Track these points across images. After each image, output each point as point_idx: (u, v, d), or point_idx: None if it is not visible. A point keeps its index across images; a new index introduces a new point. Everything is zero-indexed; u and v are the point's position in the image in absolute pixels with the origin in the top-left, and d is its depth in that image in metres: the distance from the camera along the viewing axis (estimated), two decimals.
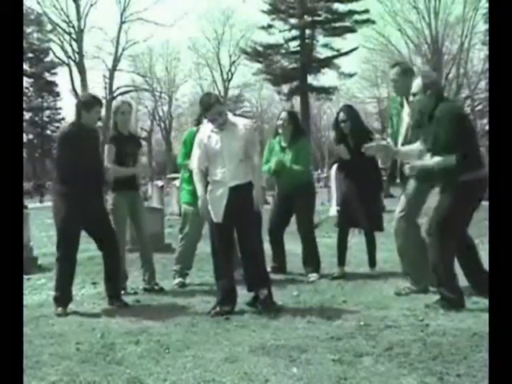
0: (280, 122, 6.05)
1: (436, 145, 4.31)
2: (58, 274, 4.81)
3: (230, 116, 4.63)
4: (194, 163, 4.68)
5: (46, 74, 51.69)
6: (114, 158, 5.40)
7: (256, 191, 4.56)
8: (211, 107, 4.48)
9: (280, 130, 6.07)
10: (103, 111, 40.72)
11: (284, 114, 6.12)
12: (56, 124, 51.71)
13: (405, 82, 4.92)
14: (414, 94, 4.48)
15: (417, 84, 4.45)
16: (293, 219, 6.20)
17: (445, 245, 4.31)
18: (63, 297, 4.75)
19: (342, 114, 5.84)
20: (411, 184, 4.90)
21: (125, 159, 5.49)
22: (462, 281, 4.54)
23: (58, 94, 53.31)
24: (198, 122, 5.79)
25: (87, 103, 4.88)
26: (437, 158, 4.30)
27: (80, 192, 4.67)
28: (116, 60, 42.85)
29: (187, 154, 5.64)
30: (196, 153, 4.64)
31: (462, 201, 4.29)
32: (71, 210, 4.68)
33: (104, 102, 40.97)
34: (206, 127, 4.64)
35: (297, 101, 36.13)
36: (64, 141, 4.88)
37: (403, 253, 5.01)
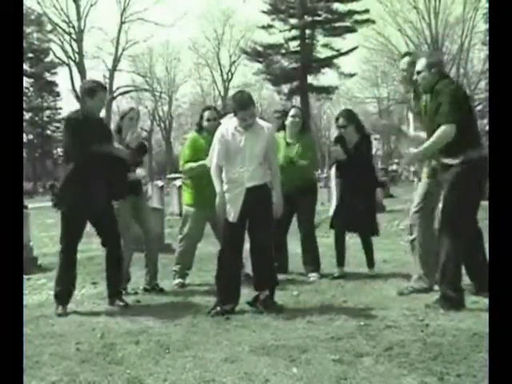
0: (291, 119, 6.04)
1: (437, 115, 4.32)
2: (60, 268, 4.78)
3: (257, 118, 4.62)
4: (212, 158, 4.61)
5: (46, 74, 51.67)
6: None
7: (276, 197, 4.59)
8: (246, 107, 4.44)
9: (289, 126, 6.05)
10: (103, 111, 40.75)
11: (296, 110, 6.14)
12: (56, 124, 51.55)
13: (413, 71, 4.94)
14: (419, 72, 4.55)
15: (421, 63, 4.54)
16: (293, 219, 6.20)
17: (455, 242, 4.29)
18: (64, 293, 4.74)
19: (341, 120, 5.87)
20: (423, 180, 4.92)
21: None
22: (462, 280, 4.53)
23: (58, 94, 53.28)
24: (200, 128, 5.74)
25: (91, 89, 4.79)
26: (437, 132, 4.27)
27: (85, 180, 4.63)
28: (116, 60, 42.88)
29: (190, 159, 5.65)
30: (216, 148, 4.56)
31: (466, 188, 4.26)
32: (76, 197, 4.65)
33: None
34: (230, 124, 4.58)
35: (297, 101, 36.06)
36: (67, 127, 4.83)
37: (418, 246, 4.93)
